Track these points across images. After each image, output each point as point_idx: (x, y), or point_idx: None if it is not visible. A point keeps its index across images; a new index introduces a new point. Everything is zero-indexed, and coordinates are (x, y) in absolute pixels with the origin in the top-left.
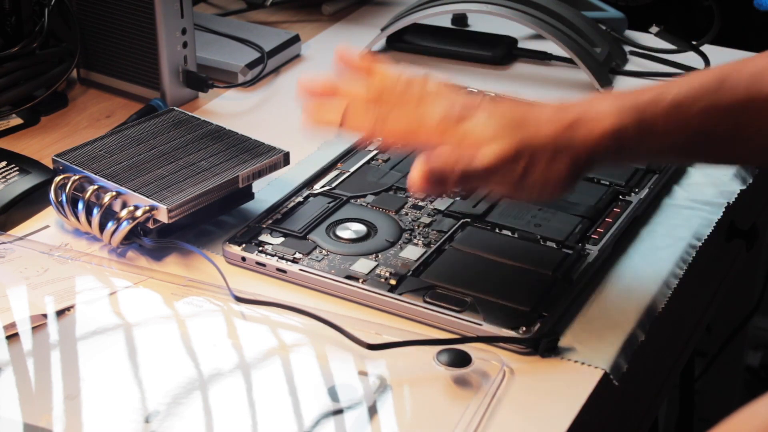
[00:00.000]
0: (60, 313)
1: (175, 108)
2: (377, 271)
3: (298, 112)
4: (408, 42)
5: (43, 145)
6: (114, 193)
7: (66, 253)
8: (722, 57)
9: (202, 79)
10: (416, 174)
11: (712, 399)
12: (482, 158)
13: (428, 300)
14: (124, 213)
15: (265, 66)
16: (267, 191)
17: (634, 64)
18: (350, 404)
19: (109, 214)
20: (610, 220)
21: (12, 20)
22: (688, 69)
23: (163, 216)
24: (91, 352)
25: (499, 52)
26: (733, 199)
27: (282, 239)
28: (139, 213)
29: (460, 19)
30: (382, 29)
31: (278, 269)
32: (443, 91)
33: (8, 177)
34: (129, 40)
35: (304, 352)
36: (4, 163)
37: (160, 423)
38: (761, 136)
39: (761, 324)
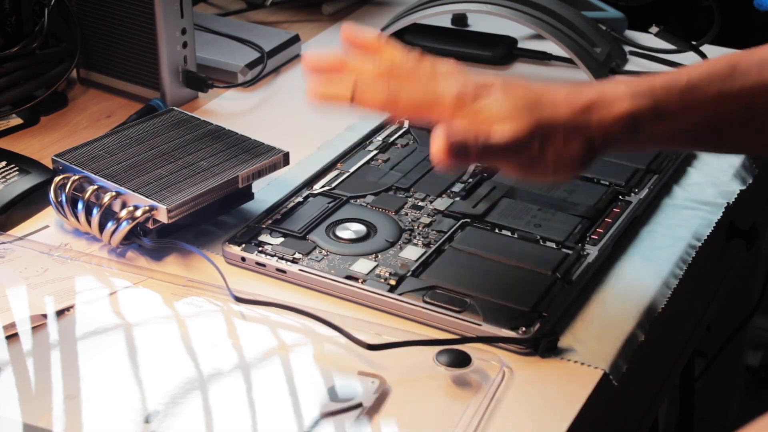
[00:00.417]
0: (60, 313)
1: (175, 108)
2: (377, 271)
3: (298, 112)
4: (408, 42)
5: (43, 145)
6: (114, 193)
7: (66, 253)
8: None
9: (202, 79)
10: (438, 148)
11: (712, 399)
12: (499, 135)
13: (428, 300)
14: (123, 213)
15: (265, 66)
16: (267, 191)
17: (634, 64)
18: (350, 404)
19: (108, 214)
20: (610, 220)
21: (12, 20)
22: None
23: (162, 216)
24: (91, 352)
25: (499, 52)
26: (733, 199)
27: (282, 239)
28: (138, 213)
29: (460, 19)
30: (382, 29)
31: (278, 269)
32: (455, 70)
33: (8, 177)
34: (129, 40)
35: (304, 352)
36: (4, 163)
37: (160, 423)
38: None
39: (761, 324)
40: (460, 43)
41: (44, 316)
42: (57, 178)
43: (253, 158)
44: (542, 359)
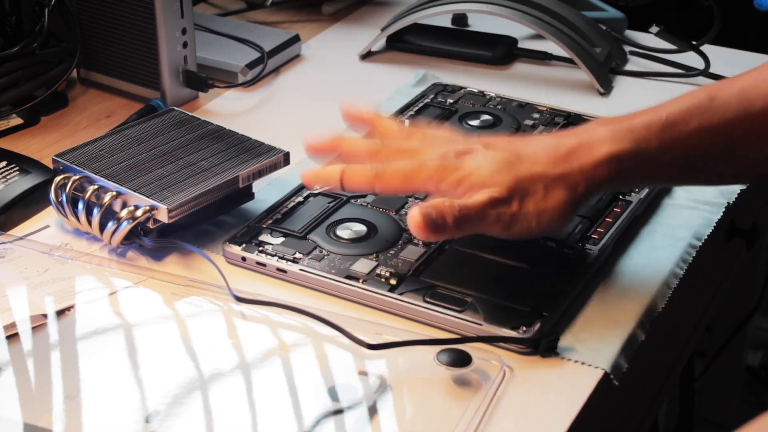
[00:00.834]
0: (60, 313)
1: (175, 108)
2: (377, 271)
3: (298, 112)
4: (408, 42)
5: (43, 145)
6: (114, 193)
7: (66, 253)
8: (722, 57)
9: (202, 79)
10: (414, 221)
11: (712, 399)
12: (475, 203)
13: (428, 300)
14: (124, 213)
15: (265, 66)
16: (267, 191)
17: (634, 64)
18: (350, 404)
19: (109, 214)
20: (610, 220)
21: (12, 20)
22: (688, 69)
23: (163, 216)
24: (91, 352)
25: (499, 52)
26: (733, 199)
27: (282, 239)
28: (139, 213)
29: (460, 19)
30: (382, 29)
31: (278, 269)
32: (442, 139)
33: (8, 177)
34: (129, 40)
35: (304, 352)
36: (4, 163)
37: (160, 423)
38: (754, 151)
39: (761, 324)
40: (460, 43)
41: (44, 316)
42: (57, 178)
43: (253, 158)
44: (543, 359)
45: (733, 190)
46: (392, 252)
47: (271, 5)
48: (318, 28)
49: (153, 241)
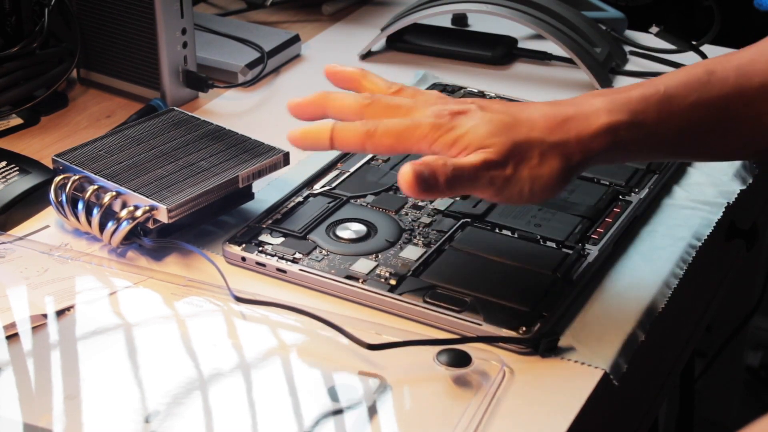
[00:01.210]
0: (60, 313)
1: (175, 108)
2: (377, 271)
3: None
4: (408, 42)
5: (43, 145)
6: (114, 193)
7: (66, 253)
8: None
9: (202, 79)
10: (405, 178)
11: (712, 399)
12: (468, 163)
13: (428, 300)
14: (124, 213)
15: (265, 66)
16: (267, 191)
17: (634, 64)
18: (350, 404)
19: (109, 214)
20: (610, 220)
21: (12, 20)
22: None
23: (163, 216)
24: (91, 352)
25: (499, 52)
26: (733, 199)
27: (282, 239)
28: (139, 213)
29: (460, 19)
30: (382, 29)
31: (278, 269)
32: (434, 98)
33: (8, 177)
34: (129, 40)
35: (304, 352)
36: (4, 163)
37: (160, 423)
38: (749, 127)
39: (761, 324)
40: (460, 43)
41: (44, 316)
42: (57, 178)
43: (253, 158)
44: (542, 359)
45: (733, 191)
46: (392, 252)
47: (271, 5)
48: (318, 28)
49: (153, 241)
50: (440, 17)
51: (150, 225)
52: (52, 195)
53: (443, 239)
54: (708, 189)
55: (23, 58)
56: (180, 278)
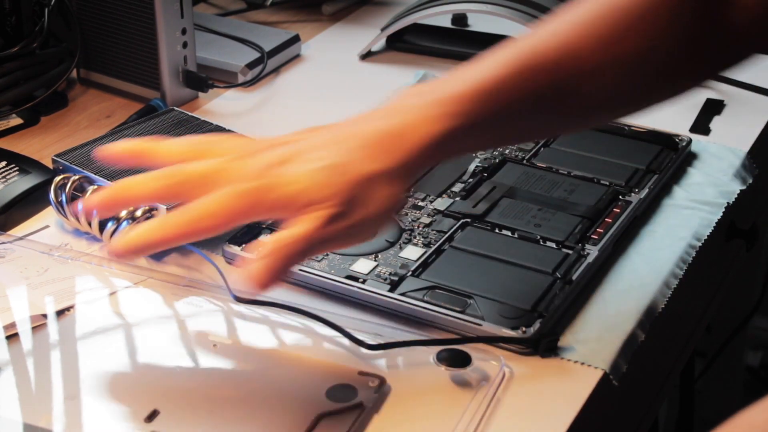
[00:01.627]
0: (60, 313)
1: (175, 108)
2: (377, 271)
3: (298, 112)
4: (408, 42)
5: (43, 145)
6: None
7: (66, 253)
8: None
9: (202, 79)
10: (248, 282)
11: (712, 399)
12: (308, 231)
13: (428, 300)
14: (124, 213)
15: (265, 66)
16: None
17: None
18: (350, 404)
19: None
20: (610, 220)
21: (12, 20)
22: None
23: None
24: (91, 352)
25: None
26: (733, 199)
27: None
28: (138, 213)
29: (460, 19)
30: (382, 29)
31: None
32: (245, 146)
33: (8, 177)
34: (129, 40)
35: (304, 351)
36: (4, 163)
37: (160, 423)
38: (583, 105)
39: (761, 324)
40: (460, 43)
41: (44, 316)
42: (57, 178)
43: None
44: (542, 359)
45: (733, 191)
46: (392, 252)
47: (271, 5)
48: (318, 28)
49: None
50: (440, 17)
51: None
52: (52, 195)
53: (443, 239)
54: (708, 189)
55: (23, 58)
56: (180, 278)
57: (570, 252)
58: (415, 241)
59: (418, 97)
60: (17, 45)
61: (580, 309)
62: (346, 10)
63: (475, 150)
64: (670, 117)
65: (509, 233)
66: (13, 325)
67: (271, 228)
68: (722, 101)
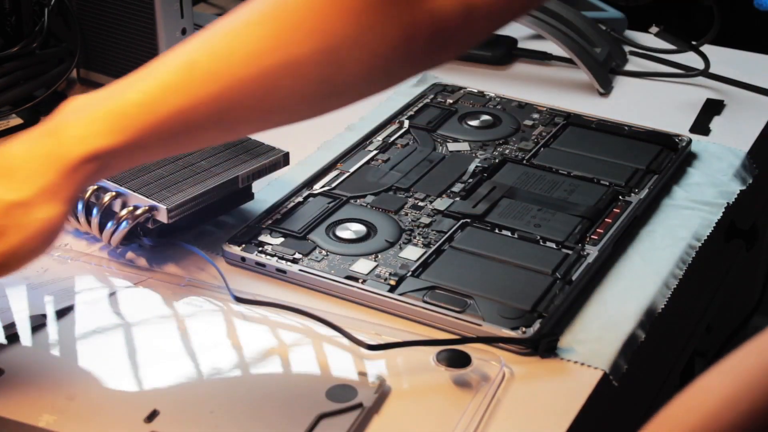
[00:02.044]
0: (60, 313)
1: None
2: (377, 271)
3: None
4: None
5: None
6: (114, 193)
7: (66, 253)
8: (722, 57)
9: None
10: None
11: None
12: None
13: (428, 300)
14: (123, 213)
15: None
16: (267, 191)
17: (634, 64)
18: (350, 404)
19: (108, 214)
20: (610, 220)
21: (12, 20)
22: (688, 69)
23: (162, 216)
24: (91, 352)
25: (499, 52)
26: (733, 199)
27: (282, 239)
28: (138, 213)
29: None
30: None
31: (278, 269)
32: None
33: None
34: (129, 40)
35: (304, 352)
36: None
37: (160, 423)
38: (259, 110)
39: (761, 324)
40: None
41: (44, 316)
42: None
43: (253, 158)
44: (542, 359)
45: (733, 191)
46: (392, 252)
47: None
48: None
49: (153, 241)
50: None
51: (150, 225)
52: None
53: (443, 239)
54: (708, 189)
55: (23, 58)
56: (180, 278)
57: (570, 252)
58: (415, 241)
59: (74, 110)
60: (17, 45)
61: (580, 309)
62: None
63: (135, 164)
64: (670, 117)
65: (509, 233)
66: (13, 325)
67: (271, 228)
68: (722, 101)
